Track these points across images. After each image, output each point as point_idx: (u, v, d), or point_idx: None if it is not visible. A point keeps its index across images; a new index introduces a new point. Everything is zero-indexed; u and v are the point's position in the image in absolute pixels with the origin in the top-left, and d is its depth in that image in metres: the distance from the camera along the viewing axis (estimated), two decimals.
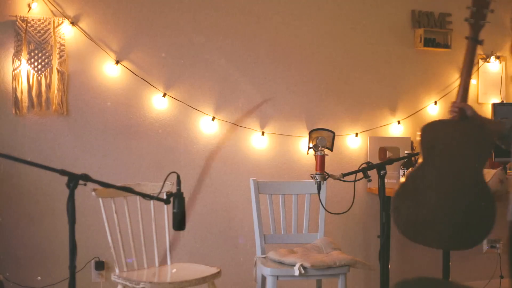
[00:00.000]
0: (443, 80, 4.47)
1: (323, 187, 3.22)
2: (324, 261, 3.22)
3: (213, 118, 3.90)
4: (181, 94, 3.85)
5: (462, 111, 2.57)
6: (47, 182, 3.57)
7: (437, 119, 2.56)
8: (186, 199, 2.56)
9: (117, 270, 3.13)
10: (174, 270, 3.23)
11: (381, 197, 2.71)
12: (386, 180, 2.73)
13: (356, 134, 4.21)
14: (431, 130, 2.58)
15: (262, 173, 3.96)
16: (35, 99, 3.56)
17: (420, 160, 2.56)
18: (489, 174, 3.71)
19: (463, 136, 2.54)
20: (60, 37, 3.58)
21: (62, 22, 3.59)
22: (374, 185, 3.55)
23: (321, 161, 2.94)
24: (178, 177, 2.48)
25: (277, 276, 3.23)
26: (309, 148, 3.81)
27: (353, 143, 4.21)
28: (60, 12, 3.61)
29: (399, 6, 4.35)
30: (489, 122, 2.65)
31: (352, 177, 2.78)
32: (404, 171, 3.99)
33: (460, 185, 2.48)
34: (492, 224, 2.44)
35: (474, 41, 2.62)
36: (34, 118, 3.60)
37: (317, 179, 2.84)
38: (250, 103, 4.00)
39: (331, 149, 3.02)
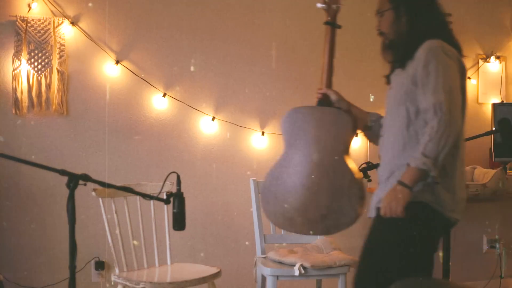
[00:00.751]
0: None
1: None
2: (324, 261, 3.22)
3: (213, 118, 3.90)
4: (181, 94, 3.85)
5: (326, 96, 2.57)
6: (47, 182, 3.57)
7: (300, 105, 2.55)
8: (186, 199, 2.56)
9: (117, 270, 3.13)
10: (174, 270, 3.23)
11: None
12: None
13: (356, 134, 4.20)
14: (293, 116, 2.56)
15: (262, 173, 3.95)
16: (35, 99, 3.56)
17: (284, 149, 2.55)
18: (489, 174, 3.71)
19: (324, 122, 2.52)
20: (60, 37, 3.58)
21: (62, 22, 3.59)
22: (374, 185, 3.54)
23: None
24: (178, 177, 2.48)
25: (277, 276, 3.23)
26: None
27: (353, 143, 4.20)
28: (60, 12, 3.61)
29: None
30: (357, 110, 2.64)
31: None
32: None
33: (322, 171, 2.45)
34: (358, 207, 2.43)
35: (331, 26, 2.64)
36: (34, 118, 3.60)
37: None
38: (250, 103, 4.00)
39: None
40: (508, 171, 4.16)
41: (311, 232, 2.55)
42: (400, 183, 2.20)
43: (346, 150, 2.51)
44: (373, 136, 2.60)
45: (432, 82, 2.21)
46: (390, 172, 2.33)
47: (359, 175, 2.50)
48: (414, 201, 2.22)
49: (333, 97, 2.58)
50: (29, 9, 3.54)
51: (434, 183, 2.20)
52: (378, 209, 2.36)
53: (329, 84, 2.61)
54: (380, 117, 2.57)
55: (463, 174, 2.36)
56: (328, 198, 2.43)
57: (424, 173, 2.18)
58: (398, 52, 2.39)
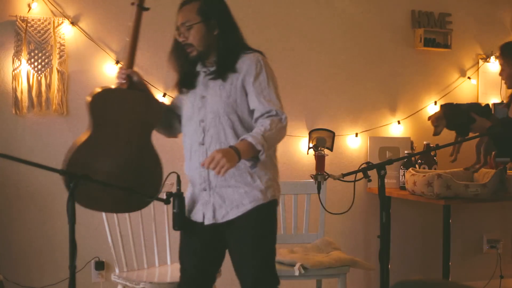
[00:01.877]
0: (443, 80, 4.47)
1: (323, 187, 3.22)
2: (324, 261, 3.22)
3: None
4: None
5: (129, 77, 2.61)
6: (47, 182, 3.57)
7: (106, 87, 2.62)
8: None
9: (117, 270, 3.13)
10: (174, 270, 3.23)
11: (381, 197, 2.70)
12: (386, 180, 2.73)
13: (356, 134, 4.21)
14: (101, 98, 2.60)
15: None
16: (35, 99, 3.56)
17: (92, 129, 2.55)
18: (489, 174, 3.71)
19: (130, 103, 2.58)
20: (60, 37, 3.58)
21: (62, 22, 3.59)
22: (374, 185, 3.55)
23: (321, 161, 2.92)
24: (178, 177, 2.48)
25: None
26: (309, 148, 3.81)
27: (353, 143, 4.21)
28: (60, 12, 3.61)
29: (399, 6, 4.35)
30: (151, 93, 2.73)
31: (352, 177, 2.77)
32: (404, 171, 3.99)
33: (128, 152, 2.53)
34: (159, 186, 2.54)
35: (140, 8, 2.70)
36: (34, 118, 3.60)
37: (317, 179, 2.83)
38: None
39: (331, 149, 3.02)
40: (508, 171, 4.16)
41: (113, 210, 2.69)
42: (235, 150, 2.29)
43: (149, 133, 2.60)
44: (161, 126, 2.72)
45: (266, 90, 2.43)
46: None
47: (159, 157, 2.61)
48: (273, 199, 2.52)
49: (135, 78, 2.62)
50: (29, 9, 3.54)
51: (252, 167, 2.41)
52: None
53: (131, 65, 2.66)
54: (168, 109, 2.70)
55: None
56: (134, 177, 2.52)
57: (255, 153, 2.32)
58: (220, 64, 2.51)
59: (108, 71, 3.70)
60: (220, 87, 2.49)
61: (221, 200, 2.49)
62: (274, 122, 2.37)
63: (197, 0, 2.52)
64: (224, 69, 2.49)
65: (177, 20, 2.60)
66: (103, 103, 2.57)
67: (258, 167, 2.44)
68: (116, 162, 2.51)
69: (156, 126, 2.63)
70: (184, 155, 2.63)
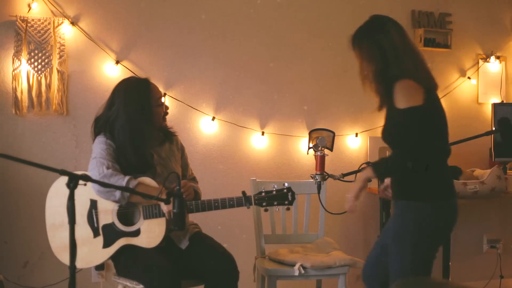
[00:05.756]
0: (443, 80, 4.46)
1: (323, 187, 3.22)
2: (324, 261, 3.22)
3: (213, 118, 3.90)
4: (181, 94, 3.85)
5: None
6: (47, 182, 3.56)
7: None
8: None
9: None
10: None
11: (381, 197, 2.70)
12: (386, 180, 2.73)
13: (356, 134, 4.21)
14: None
15: (262, 173, 3.96)
16: (35, 99, 3.56)
17: None
18: (487, 171, 3.72)
19: None
20: (60, 37, 3.58)
21: (62, 22, 3.59)
22: (374, 185, 3.55)
23: (321, 161, 2.92)
24: (178, 177, 2.48)
25: (277, 276, 3.23)
26: (309, 148, 3.81)
27: (353, 143, 4.21)
28: (60, 12, 3.61)
29: (399, 6, 4.35)
30: None
31: (352, 177, 2.77)
32: None
33: None
34: None
35: None
36: (34, 118, 3.60)
37: (317, 179, 2.83)
38: (250, 103, 4.00)
39: (331, 149, 3.01)
40: (508, 171, 4.16)
41: None
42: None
43: None
44: None
45: None
46: None
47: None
48: None
49: None
50: (29, 9, 3.54)
51: None
52: None
53: None
54: None
55: None
56: None
57: None
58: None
59: (108, 71, 3.70)
60: None
61: None
62: None
63: None
64: None
65: (159, 94, 3.06)
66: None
67: None
68: None
69: None
70: None
